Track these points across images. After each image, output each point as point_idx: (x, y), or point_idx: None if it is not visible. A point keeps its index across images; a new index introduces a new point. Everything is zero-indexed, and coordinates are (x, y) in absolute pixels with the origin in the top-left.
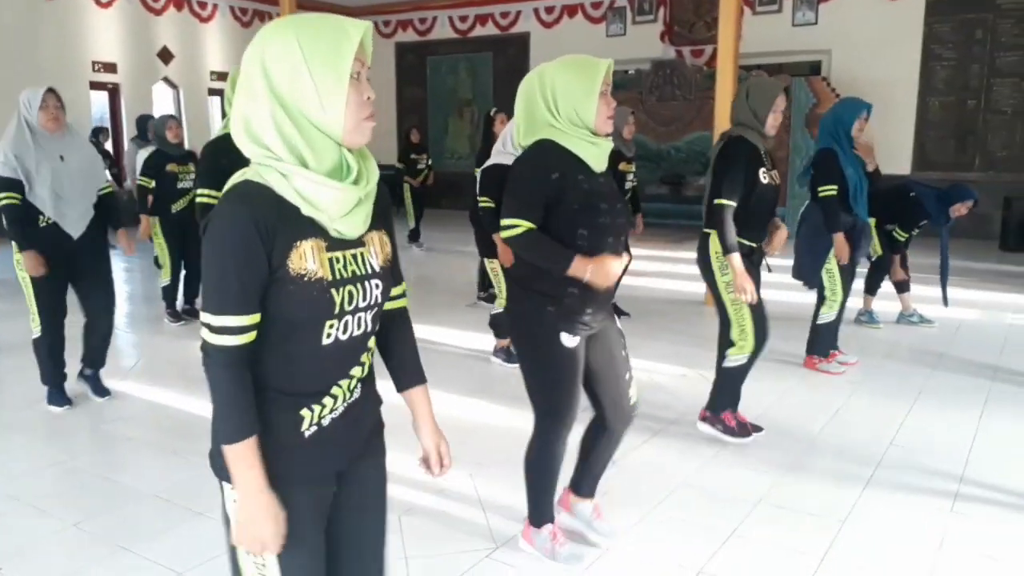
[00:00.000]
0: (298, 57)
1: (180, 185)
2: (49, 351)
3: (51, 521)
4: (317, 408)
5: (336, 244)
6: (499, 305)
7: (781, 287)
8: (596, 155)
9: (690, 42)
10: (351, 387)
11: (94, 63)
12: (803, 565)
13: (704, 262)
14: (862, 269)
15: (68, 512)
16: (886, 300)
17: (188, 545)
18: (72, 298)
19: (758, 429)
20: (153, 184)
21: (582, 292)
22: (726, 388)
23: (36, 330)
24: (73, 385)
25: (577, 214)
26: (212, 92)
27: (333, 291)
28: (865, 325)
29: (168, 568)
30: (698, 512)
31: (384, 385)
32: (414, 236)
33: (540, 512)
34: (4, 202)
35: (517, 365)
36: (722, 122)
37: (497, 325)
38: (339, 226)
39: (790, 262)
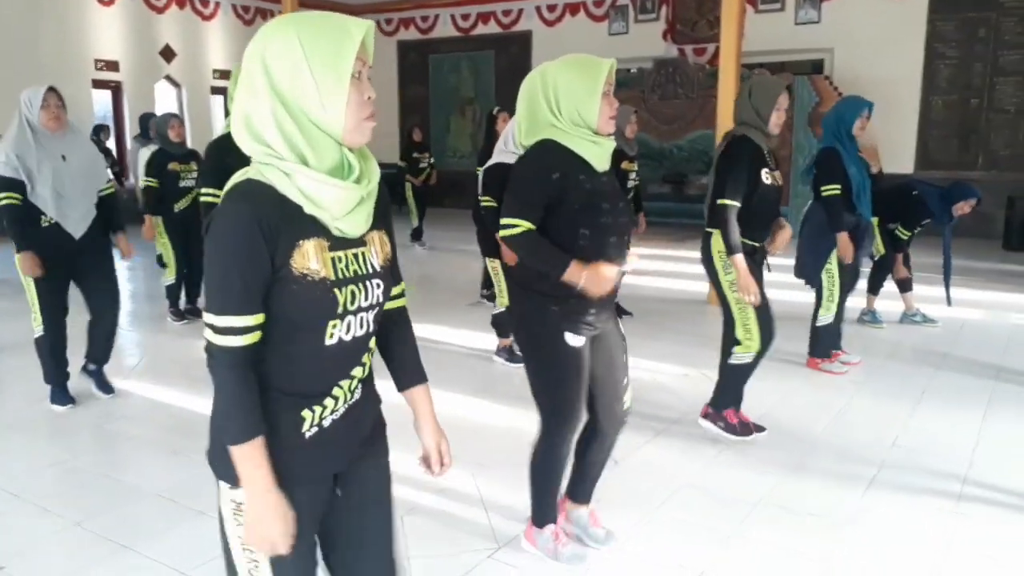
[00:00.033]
0: (299, 55)
1: (182, 184)
2: (51, 350)
3: (53, 520)
4: (318, 409)
5: (338, 243)
6: (500, 304)
7: (784, 286)
8: (598, 154)
9: (692, 40)
10: (352, 388)
11: (96, 61)
12: (805, 566)
13: (707, 261)
14: (865, 269)
15: (70, 511)
16: (889, 300)
17: (190, 544)
18: (75, 297)
19: (760, 429)
20: (157, 184)
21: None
22: (729, 386)
23: (38, 329)
24: (76, 384)
25: (578, 214)
26: (214, 90)
27: (336, 291)
28: (868, 325)
29: (170, 567)
30: (700, 513)
31: (385, 385)
32: (417, 235)
33: (543, 513)
34: (4, 202)
35: (519, 365)
36: (724, 121)
37: (499, 325)
38: (342, 225)
39: (791, 261)
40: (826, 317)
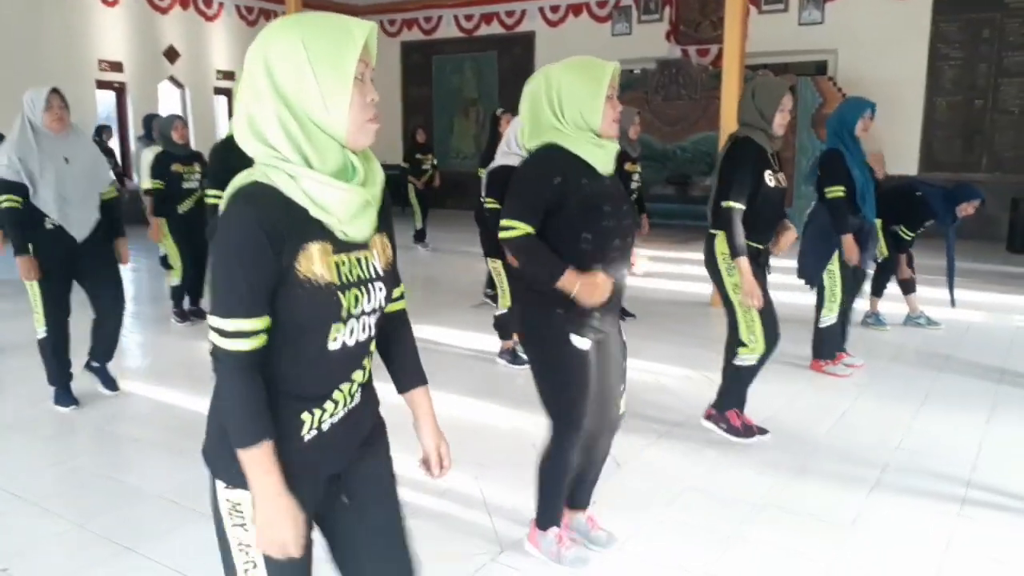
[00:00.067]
0: (302, 57)
1: (185, 185)
2: (54, 351)
3: (55, 521)
4: (318, 412)
5: (342, 247)
6: (502, 306)
7: (787, 288)
8: (602, 157)
9: (696, 41)
10: (352, 391)
11: (100, 62)
12: (808, 569)
13: (711, 263)
14: (868, 271)
15: (72, 512)
16: (893, 302)
17: (193, 546)
18: (77, 297)
19: (764, 432)
20: (163, 186)
21: None
22: (733, 387)
23: (41, 330)
24: (80, 385)
25: (580, 218)
26: (218, 91)
27: (340, 295)
28: (872, 327)
29: (172, 569)
30: (703, 515)
31: (385, 387)
32: (420, 236)
33: (547, 516)
34: (5, 204)
35: (522, 367)
36: (728, 122)
37: (502, 327)
38: (347, 229)
39: (794, 263)
40: (828, 319)
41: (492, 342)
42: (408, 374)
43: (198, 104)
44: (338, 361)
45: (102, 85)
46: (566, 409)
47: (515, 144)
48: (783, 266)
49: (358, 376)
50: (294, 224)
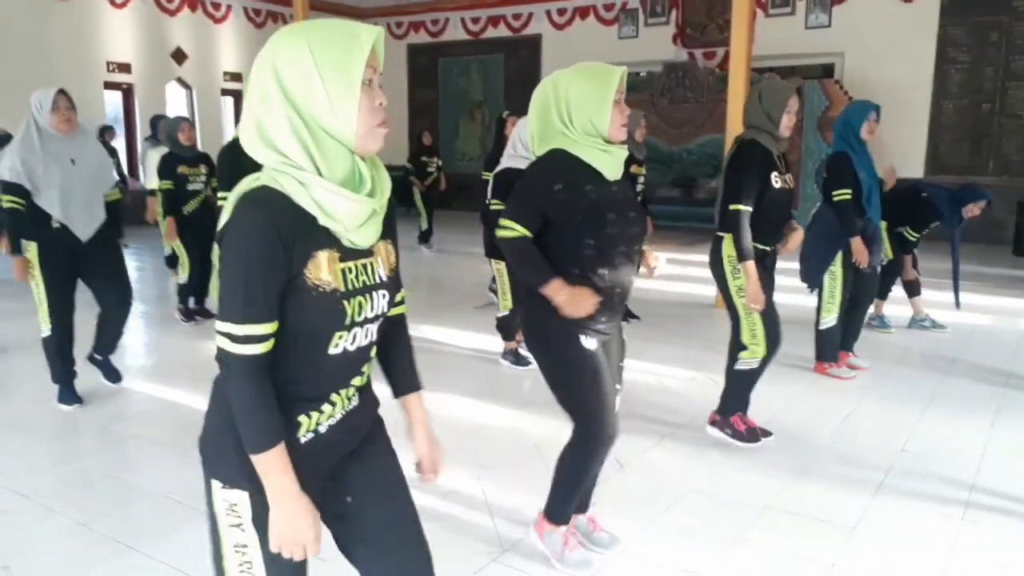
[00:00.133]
0: (309, 62)
1: (191, 187)
2: (58, 349)
3: (58, 520)
4: (315, 415)
5: (348, 255)
6: (503, 308)
7: (792, 290)
8: (609, 163)
9: (702, 44)
10: (350, 395)
11: (108, 63)
12: (812, 572)
13: (717, 265)
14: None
15: (75, 511)
16: (898, 305)
17: (195, 545)
18: (82, 296)
19: (767, 434)
20: (172, 186)
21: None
22: (736, 391)
23: (45, 328)
24: (84, 384)
25: (583, 224)
26: (225, 92)
27: (345, 302)
28: (876, 329)
29: (175, 568)
30: (707, 517)
31: (385, 389)
32: (425, 237)
33: (560, 511)
34: (7, 205)
35: (525, 368)
36: (734, 125)
37: (504, 328)
38: (353, 237)
39: (796, 264)
40: (828, 321)
41: (495, 343)
42: (404, 379)
43: (205, 105)
44: (338, 366)
45: (110, 86)
46: (582, 409)
47: (521, 147)
48: (785, 268)
49: (357, 380)
50: (303, 230)
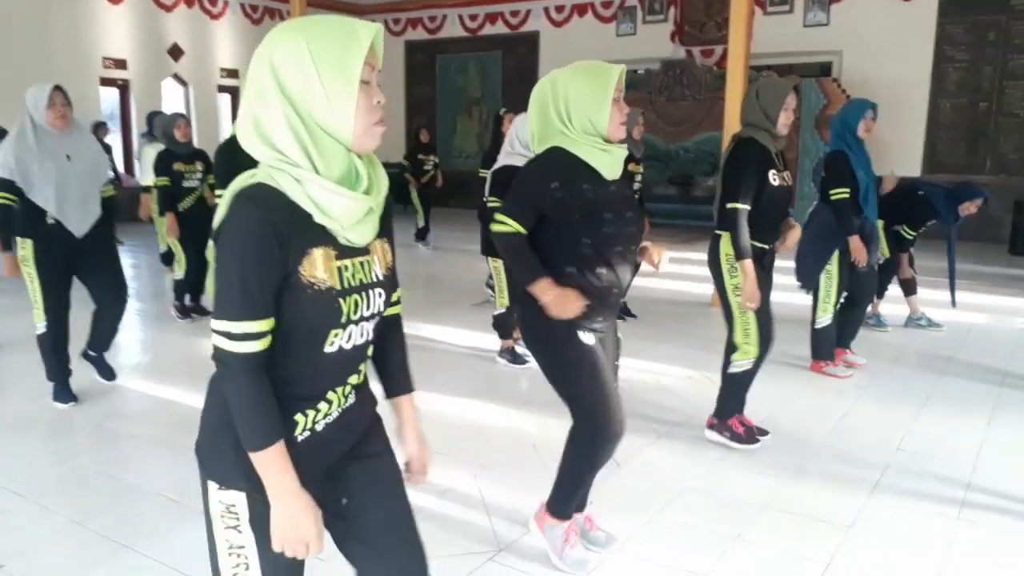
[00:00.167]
0: (307, 59)
1: (186, 184)
2: (53, 346)
3: (54, 519)
4: (311, 413)
5: (344, 252)
6: (500, 305)
7: (788, 289)
8: (608, 163)
9: (700, 42)
10: (346, 393)
11: (104, 59)
12: (809, 571)
13: (715, 264)
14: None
15: (71, 510)
16: (894, 303)
17: (192, 544)
18: (78, 293)
19: (764, 432)
20: (170, 182)
21: (592, 300)
22: (731, 394)
23: (40, 325)
24: (79, 382)
25: (580, 223)
26: (222, 89)
27: (341, 300)
28: (873, 328)
29: (171, 567)
30: (703, 516)
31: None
32: (422, 235)
33: (563, 506)
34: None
35: (522, 366)
36: (732, 123)
37: (501, 326)
38: (349, 235)
39: (792, 263)
40: (823, 320)
41: (492, 341)
42: (397, 380)
43: (202, 102)
44: (335, 364)
45: (106, 82)
46: (591, 405)
47: (518, 144)
48: (781, 266)
49: (354, 379)
50: (298, 227)
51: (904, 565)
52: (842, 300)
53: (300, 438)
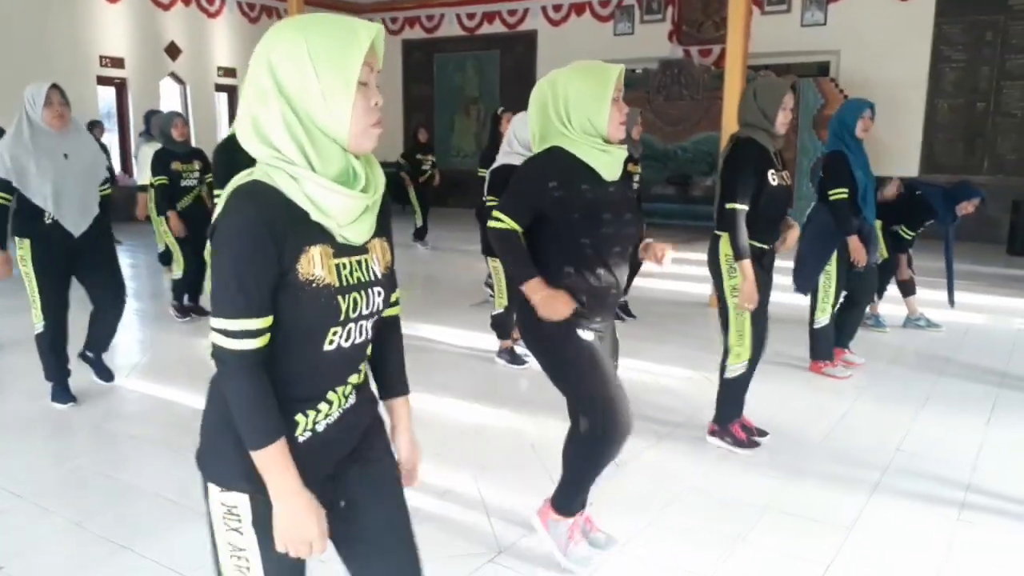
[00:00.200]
0: (305, 57)
1: (184, 183)
2: (52, 346)
3: (53, 519)
4: (312, 414)
5: (342, 250)
6: (498, 305)
7: (786, 289)
8: (608, 163)
9: (698, 42)
10: (347, 393)
11: (102, 58)
12: (809, 572)
13: (714, 264)
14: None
15: (70, 510)
16: (893, 304)
17: (191, 545)
18: (76, 293)
19: (763, 433)
20: (168, 181)
21: (590, 300)
22: (729, 399)
23: (39, 325)
24: (77, 382)
25: (579, 223)
26: (219, 88)
27: (340, 298)
28: (871, 329)
29: (170, 568)
30: (703, 517)
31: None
32: (420, 234)
33: (568, 503)
34: None
35: (521, 367)
36: (730, 122)
37: (499, 326)
38: (346, 233)
39: (791, 263)
40: (822, 320)
41: (491, 341)
42: (392, 382)
43: (199, 101)
44: (333, 363)
45: (103, 81)
46: (595, 401)
47: (517, 143)
48: (780, 266)
49: (354, 378)
50: (294, 225)
51: (904, 566)
52: (841, 300)
53: (301, 439)
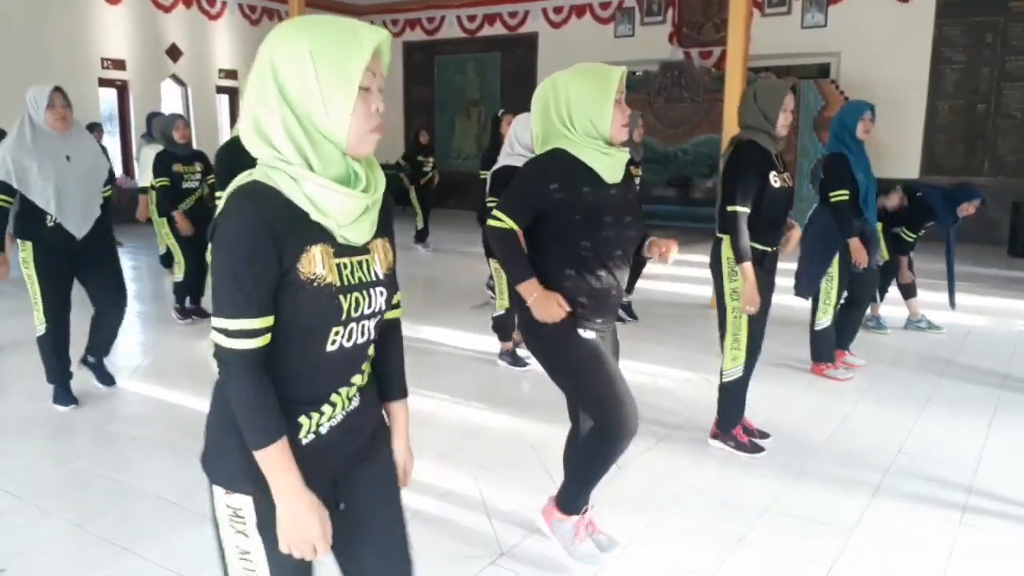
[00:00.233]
0: (307, 60)
1: (186, 185)
2: (53, 348)
3: (54, 521)
4: (315, 416)
5: (343, 251)
6: (499, 307)
7: (787, 291)
8: (609, 166)
9: (698, 44)
10: (350, 395)
11: (103, 60)
12: (810, 574)
13: (716, 266)
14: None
15: (71, 512)
16: (894, 306)
17: (192, 547)
18: (77, 294)
19: (765, 435)
20: (169, 182)
21: (591, 302)
22: (729, 403)
23: (40, 327)
24: (79, 384)
25: (579, 226)
26: (220, 90)
27: (341, 297)
28: (873, 331)
29: (171, 571)
30: (704, 518)
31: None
32: (421, 236)
33: (573, 502)
34: None
35: (522, 369)
36: (730, 124)
37: (501, 328)
38: (346, 233)
39: (794, 264)
40: (823, 321)
41: (492, 343)
42: (391, 385)
43: (200, 103)
44: (336, 364)
45: (104, 83)
46: (598, 399)
47: (518, 144)
48: (781, 268)
49: (357, 380)
50: (294, 225)
51: (906, 568)
52: (842, 301)
53: (305, 441)
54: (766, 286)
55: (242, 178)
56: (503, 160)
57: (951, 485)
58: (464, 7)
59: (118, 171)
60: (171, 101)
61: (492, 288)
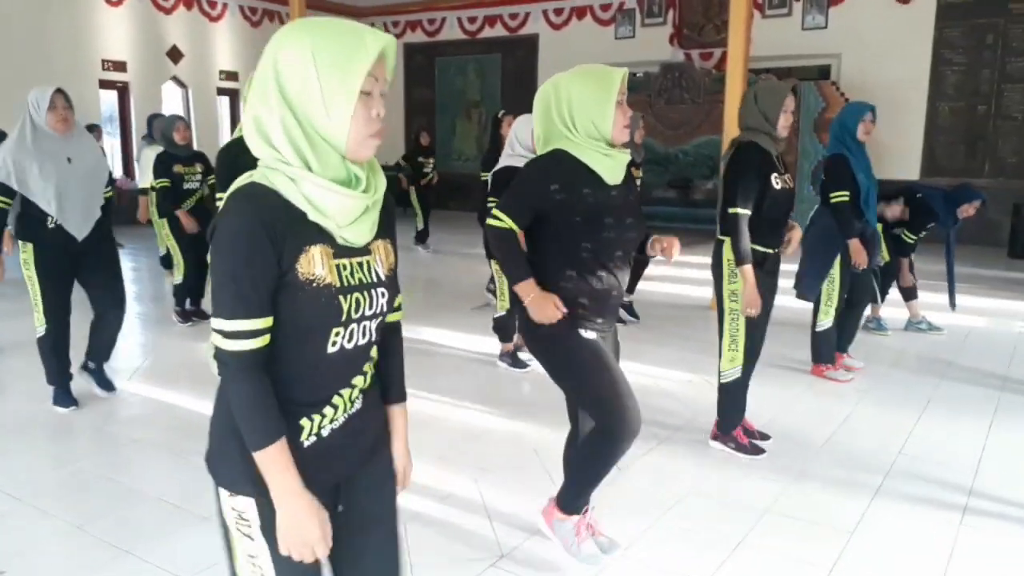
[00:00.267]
0: (309, 62)
1: (186, 186)
2: (53, 349)
3: (54, 523)
4: (317, 418)
5: (342, 251)
6: (500, 308)
7: (788, 292)
8: (610, 167)
9: (699, 45)
10: (352, 397)
11: (104, 61)
12: (811, 574)
13: (717, 268)
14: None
15: (71, 514)
16: (894, 307)
17: (192, 549)
18: (77, 296)
19: (765, 437)
20: (170, 183)
21: (591, 303)
22: (729, 405)
23: (40, 329)
24: (79, 386)
25: (580, 227)
26: (221, 92)
27: (341, 298)
28: (873, 332)
29: (171, 573)
30: (706, 520)
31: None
32: (421, 237)
33: (574, 502)
34: None
35: (523, 370)
36: (731, 126)
37: (501, 329)
38: (346, 234)
39: (795, 267)
40: (824, 323)
41: (493, 345)
42: (391, 388)
43: (201, 104)
44: (337, 365)
45: (105, 85)
46: (599, 399)
47: (519, 145)
48: (782, 269)
49: (359, 382)
50: (293, 226)
51: (907, 570)
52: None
53: (306, 444)
54: (767, 288)
55: (241, 180)
56: (504, 161)
57: (951, 487)
58: (465, 9)
59: (118, 173)
60: (172, 103)
61: (492, 291)
